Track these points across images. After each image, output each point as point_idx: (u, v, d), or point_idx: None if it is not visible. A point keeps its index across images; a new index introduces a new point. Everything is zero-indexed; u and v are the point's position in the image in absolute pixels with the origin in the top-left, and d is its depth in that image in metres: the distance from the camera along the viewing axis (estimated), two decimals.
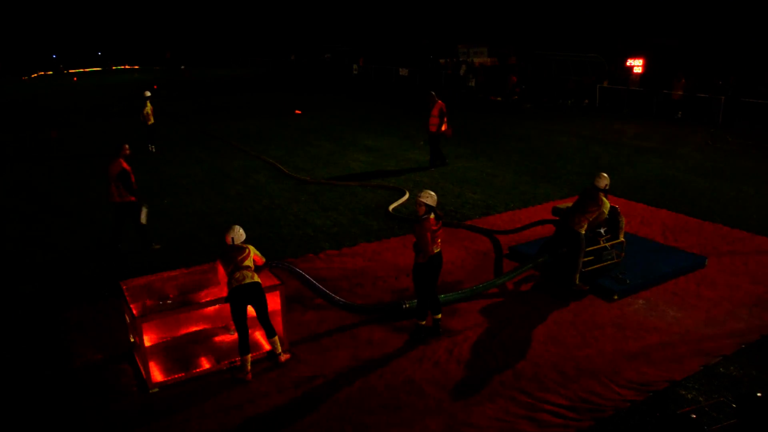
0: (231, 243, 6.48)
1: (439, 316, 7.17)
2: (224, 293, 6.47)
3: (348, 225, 10.99)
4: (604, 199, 7.98)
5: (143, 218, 9.73)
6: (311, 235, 10.54)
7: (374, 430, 5.52)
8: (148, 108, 17.05)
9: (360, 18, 51.02)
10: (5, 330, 7.52)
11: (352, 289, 8.33)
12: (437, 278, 7.04)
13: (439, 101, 14.68)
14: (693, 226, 10.57)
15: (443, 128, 14.63)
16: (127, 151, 9.75)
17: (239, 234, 6.54)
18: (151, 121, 17.22)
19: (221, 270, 6.74)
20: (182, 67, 17.18)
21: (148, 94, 17.54)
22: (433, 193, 6.87)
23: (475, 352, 6.74)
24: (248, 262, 6.38)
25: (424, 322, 7.11)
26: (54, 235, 10.82)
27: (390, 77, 37.00)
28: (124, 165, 9.53)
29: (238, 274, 6.24)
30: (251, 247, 6.55)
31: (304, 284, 7.95)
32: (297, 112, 24.86)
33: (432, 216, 6.76)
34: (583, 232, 7.92)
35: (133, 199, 9.59)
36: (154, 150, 17.34)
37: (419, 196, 6.86)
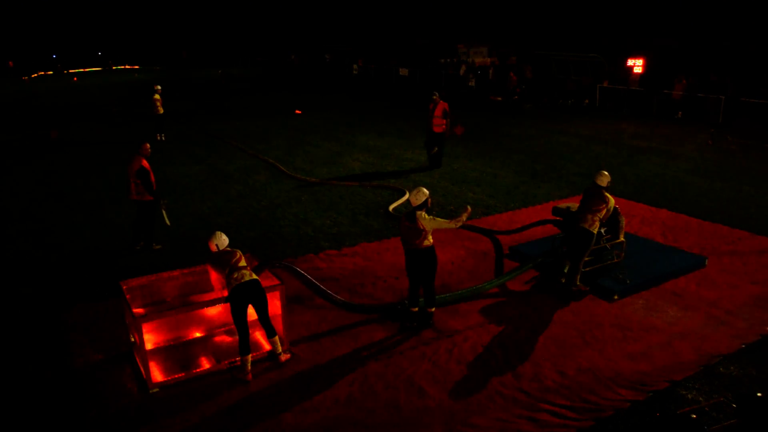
0: (217, 249, 6.50)
1: (432, 309, 7.29)
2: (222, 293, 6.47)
3: (348, 225, 10.99)
4: (609, 195, 8.00)
5: (167, 220, 9.74)
6: (311, 235, 10.54)
7: (374, 430, 5.52)
8: (158, 98, 18.54)
9: (360, 18, 51.01)
10: (5, 330, 7.51)
11: (353, 289, 8.34)
12: (428, 273, 7.11)
13: (442, 102, 14.67)
14: (693, 226, 10.57)
15: (453, 128, 14.72)
16: (148, 151, 9.66)
17: (222, 239, 6.55)
18: (161, 111, 18.72)
19: (213, 275, 6.73)
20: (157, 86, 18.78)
21: (158, 87, 19.11)
22: (417, 191, 6.97)
23: (475, 352, 6.74)
24: (243, 263, 6.39)
25: (416, 309, 7.28)
26: (54, 234, 10.81)
27: (390, 77, 36.98)
28: (144, 163, 9.46)
29: (236, 274, 6.23)
30: (239, 251, 6.57)
31: (304, 284, 7.95)
32: (297, 112, 24.87)
33: (404, 214, 7.03)
34: (596, 231, 7.92)
35: (150, 198, 9.56)
36: (163, 139, 18.76)
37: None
